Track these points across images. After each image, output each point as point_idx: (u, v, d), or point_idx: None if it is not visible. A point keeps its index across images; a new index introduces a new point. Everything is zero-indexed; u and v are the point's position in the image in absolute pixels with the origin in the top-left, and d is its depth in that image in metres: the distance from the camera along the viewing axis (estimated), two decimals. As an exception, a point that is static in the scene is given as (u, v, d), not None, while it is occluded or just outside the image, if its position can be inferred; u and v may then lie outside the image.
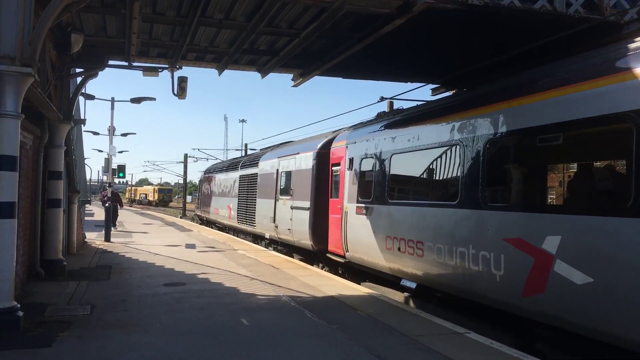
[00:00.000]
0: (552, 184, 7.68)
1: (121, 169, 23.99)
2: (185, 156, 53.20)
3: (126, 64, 11.70)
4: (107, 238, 17.90)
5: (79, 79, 11.92)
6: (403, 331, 6.61)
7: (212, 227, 28.35)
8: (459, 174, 7.88)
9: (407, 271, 9.18)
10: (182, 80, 11.44)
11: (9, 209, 6.39)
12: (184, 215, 44.82)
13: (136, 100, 18.70)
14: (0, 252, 6.28)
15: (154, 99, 18.66)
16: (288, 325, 6.87)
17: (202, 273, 11.17)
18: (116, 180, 33.52)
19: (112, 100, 19.84)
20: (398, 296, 9.72)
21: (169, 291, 9.21)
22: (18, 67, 6.22)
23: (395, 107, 14.10)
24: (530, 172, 7.26)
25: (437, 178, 9.04)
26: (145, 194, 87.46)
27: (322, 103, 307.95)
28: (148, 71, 11.56)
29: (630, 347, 5.21)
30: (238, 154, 52.10)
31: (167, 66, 11.80)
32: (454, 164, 8.17)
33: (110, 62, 11.58)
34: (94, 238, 18.59)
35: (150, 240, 18.54)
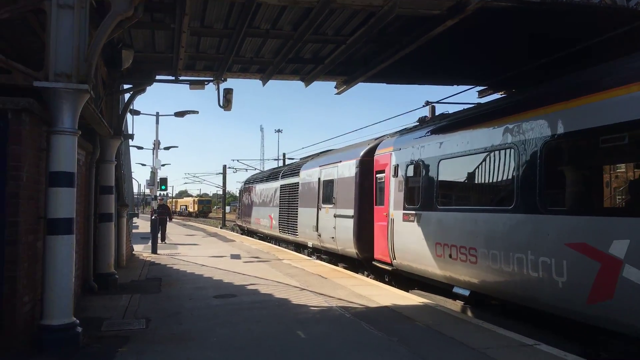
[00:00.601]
0: (618, 186, 7.21)
1: (163, 181, 24.44)
2: (224, 167, 53.87)
3: (173, 78, 11.84)
4: (154, 250, 18.13)
5: (127, 95, 12.14)
6: (468, 343, 6.32)
7: (253, 237, 28.45)
8: (514, 179, 7.69)
9: (460, 278, 8.99)
10: (228, 92, 11.49)
11: (68, 225, 6.43)
12: (223, 226, 45.30)
13: (180, 114, 18.99)
14: (60, 268, 6.31)
15: (197, 112, 18.97)
16: (347, 339, 6.67)
17: (251, 284, 11.10)
18: (159, 193, 34.27)
19: (157, 115, 20.25)
20: (454, 305, 9.38)
21: (220, 303, 9.17)
22: (75, 84, 6.28)
23: (438, 111, 13.88)
24: (593, 174, 6.98)
25: (490, 183, 8.81)
26: (186, 206, 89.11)
27: (358, 112, 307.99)
28: (195, 84, 11.66)
29: None
30: (275, 164, 52.47)
31: (212, 79, 11.88)
32: (508, 168, 7.96)
33: (158, 77, 11.73)
34: (141, 250, 18.88)
35: (195, 252, 18.70)
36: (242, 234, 32.86)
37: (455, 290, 9.27)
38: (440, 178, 9.89)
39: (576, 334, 6.70)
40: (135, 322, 7.84)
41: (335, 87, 13.05)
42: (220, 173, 56.23)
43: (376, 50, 10.60)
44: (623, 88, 6.13)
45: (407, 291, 10.80)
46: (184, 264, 14.88)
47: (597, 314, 6.12)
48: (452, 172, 9.84)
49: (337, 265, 15.03)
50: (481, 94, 13.57)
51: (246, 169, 48.72)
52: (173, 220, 57.43)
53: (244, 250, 19.39)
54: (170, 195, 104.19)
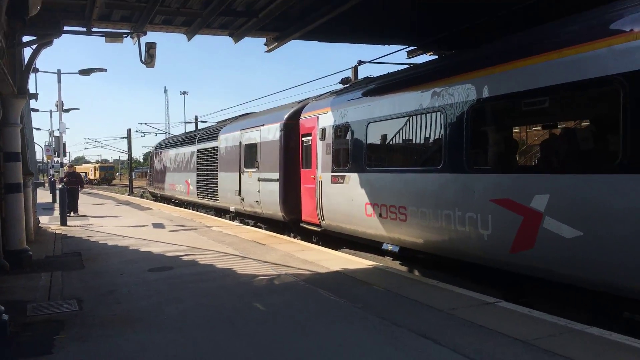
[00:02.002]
0: (539, 146, 7.92)
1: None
2: (129, 131, 50.68)
3: (84, 29, 10.49)
4: (64, 222, 16.60)
5: (27, 50, 10.60)
6: (434, 305, 6.27)
7: (169, 204, 27.23)
8: (442, 140, 8.01)
9: (390, 236, 9.34)
10: (151, 47, 10.39)
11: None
12: (131, 193, 43.05)
13: (85, 72, 17.15)
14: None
15: (105, 70, 17.22)
16: (310, 309, 6.36)
17: (186, 255, 10.43)
18: (55, 159, 31.47)
19: (59, 73, 18.14)
20: (401, 266, 9.47)
21: (158, 277, 8.47)
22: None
23: (367, 73, 13.97)
24: (515, 136, 7.53)
25: (418, 145, 9.06)
26: (85, 173, 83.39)
27: (270, 74, 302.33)
28: (111, 37, 10.42)
29: (616, 292, 5.67)
30: (185, 128, 50.21)
31: (130, 31, 10.68)
32: (436, 131, 8.28)
33: (67, 29, 10.32)
34: (47, 223, 17.24)
35: (110, 222, 17.38)
36: (155, 201, 31.46)
37: (385, 247, 9.63)
38: (370, 141, 10.02)
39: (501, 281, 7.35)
40: (65, 304, 7.00)
41: (265, 45, 12.36)
42: (124, 137, 52.91)
43: (314, 5, 10.06)
44: (543, 55, 6.50)
45: (337, 250, 11.07)
46: (102, 236, 13.74)
47: (520, 262, 6.69)
48: (382, 134, 9.92)
49: (261, 228, 15.03)
50: (410, 54, 13.52)
51: (155, 133, 46.22)
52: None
53: (165, 218, 18.36)
54: (67, 161, 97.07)
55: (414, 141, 9.13)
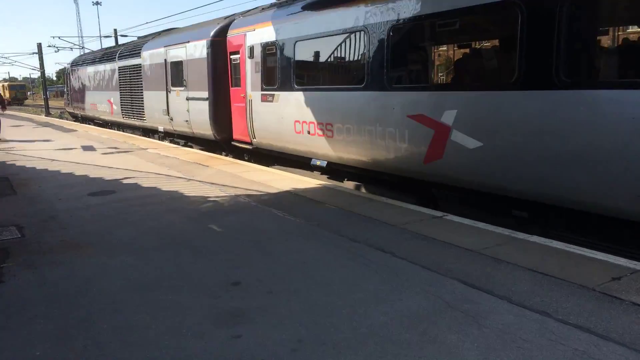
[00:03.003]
0: (448, 65, 8.75)
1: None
2: (39, 46, 46.26)
3: None
4: (-20, 146, 15.39)
5: None
6: (387, 221, 6.52)
7: (90, 124, 26.02)
8: (364, 59, 8.42)
9: (318, 152, 9.86)
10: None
11: None
12: (48, 114, 40.26)
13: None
14: None
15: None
16: (267, 228, 6.43)
17: (126, 178, 10.06)
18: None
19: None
20: (348, 184, 9.69)
21: (101, 202, 8.17)
22: None
23: None
24: (430, 55, 8.10)
25: (344, 63, 9.33)
26: (-7, 92, 76.49)
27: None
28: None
29: (511, 194, 6.58)
30: (99, 44, 46.62)
31: None
32: (360, 50, 8.61)
33: None
34: (-41, 147, 15.90)
35: (35, 145, 16.29)
36: (75, 121, 29.77)
37: (313, 162, 10.20)
38: (298, 59, 10.18)
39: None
40: (5, 232, 6.64)
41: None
42: (35, 53, 48.39)
43: None
44: None
45: (268, 166, 11.55)
46: (28, 160, 12.89)
47: (431, 172, 7.56)
48: (309, 53, 10.09)
49: (192, 148, 15.06)
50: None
51: (71, 49, 42.63)
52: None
53: (95, 140, 17.43)
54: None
55: (339, 60, 9.39)
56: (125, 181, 9.76)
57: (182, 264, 5.26)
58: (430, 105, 7.32)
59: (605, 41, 7.06)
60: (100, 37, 54.71)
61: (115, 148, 14.99)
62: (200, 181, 9.54)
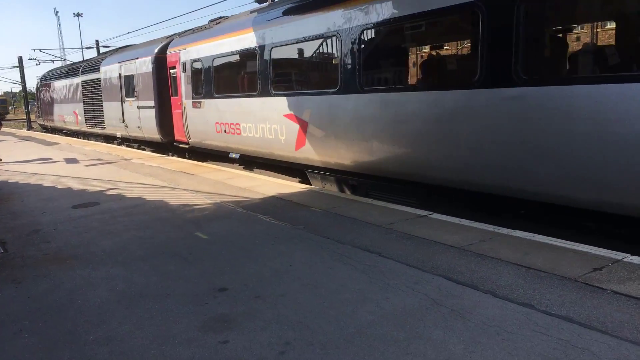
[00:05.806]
0: (300, 74, 10.50)
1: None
2: (20, 59, 45.82)
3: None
4: (-39, 162, 15.16)
5: None
6: (372, 222, 6.56)
7: (59, 134, 28.04)
8: (256, 73, 10.84)
9: (233, 147, 12.28)
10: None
11: None
12: (30, 128, 39.87)
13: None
14: None
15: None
16: (253, 234, 6.42)
17: (110, 189, 9.98)
18: None
19: None
20: (329, 186, 9.75)
21: (85, 214, 8.10)
22: None
23: None
24: (286, 70, 10.35)
25: (245, 75, 11.57)
26: (-27, 108, 75.39)
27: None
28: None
29: (354, 169, 8.74)
30: (80, 55, 46.27)
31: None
32: (254, 67, 10.91)
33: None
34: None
35: (17, 159, 16.10)
36: (45, 132, 31.73)
37: (230, 155, 12.55)
38: (214, 72, 12.71)
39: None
40: (-14, 248, 6.55)
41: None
42: (15, 67, 47.87)
43: None
44: None
45: (203, 162, 13.93)
46: (10, 175, 12.74)
47: (300, 157, 9.87)
48: (223, 67, 12.52)
49: (145, 150, 17.48)
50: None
51: (52, 61, 42.15)
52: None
53: (78, 152, 17.27)
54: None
55: (243, 73, 11.67)
56: (109, 192, 9.69)
57: (167, 273, 5.23)
58: (295, 106, 9.58)
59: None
60: (82, 48, 54.21)
61: (99, 160, 14.86)
62: (185, 189, 9.50)
